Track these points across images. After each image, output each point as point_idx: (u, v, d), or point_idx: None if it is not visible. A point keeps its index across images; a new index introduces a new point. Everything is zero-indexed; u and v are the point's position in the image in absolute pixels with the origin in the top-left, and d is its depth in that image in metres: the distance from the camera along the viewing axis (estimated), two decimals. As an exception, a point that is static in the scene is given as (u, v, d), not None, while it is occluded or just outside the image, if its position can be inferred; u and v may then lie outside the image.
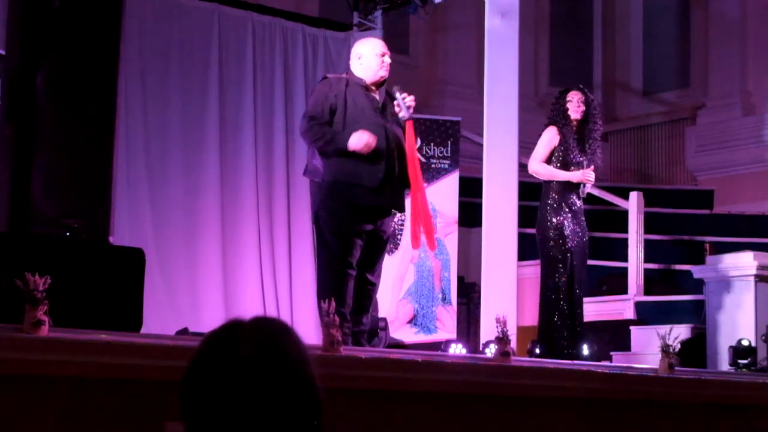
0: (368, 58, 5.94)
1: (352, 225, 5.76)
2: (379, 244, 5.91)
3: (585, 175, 6.81)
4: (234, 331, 1.74)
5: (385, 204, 5.86)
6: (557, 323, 6.84)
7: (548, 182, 6.88)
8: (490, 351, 6.42)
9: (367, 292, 5.90)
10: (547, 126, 7.03)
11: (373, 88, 5.94)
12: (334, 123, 5.80)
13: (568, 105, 6.91)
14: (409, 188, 6.00)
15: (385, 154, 5.81)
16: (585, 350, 6.70)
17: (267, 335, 1.74)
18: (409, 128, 5.97)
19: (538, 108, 12.32)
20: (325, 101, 5.81)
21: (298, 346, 1.76)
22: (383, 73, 5.93)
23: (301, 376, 1.72)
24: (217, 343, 1.74)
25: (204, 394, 1.70)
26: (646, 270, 9.69)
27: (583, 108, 6.90)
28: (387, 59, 5.95)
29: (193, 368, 1.73)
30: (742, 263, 8.05)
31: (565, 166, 6.84)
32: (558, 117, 6.94)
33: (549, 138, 6.93)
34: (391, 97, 5.98)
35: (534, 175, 7.05)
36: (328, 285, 5.79)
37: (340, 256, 5.75)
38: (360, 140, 5.69)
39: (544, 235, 6.85)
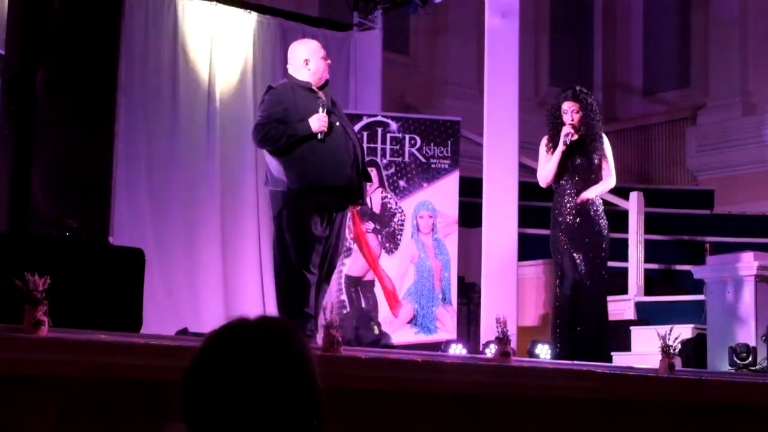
0: (315, 62, 6.04)
1: (315, 229, 5.81)
2: (338, 242, 6.01)
3: (565, 134, 6.77)
4: (238, 328, 1.75)
5: (350, 202, 5.98)
6: (556, 326, 6.86)
7: (557, 183, 6.87)
8: (490, 351, 6.42)
9: (321, 292, 5.93)
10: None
11: (317, 89, 6.03)
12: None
13: (564, 117, 6.88)
14: (370, 181, 6.19)
15: (343, 151, 5.92)
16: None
17: (271, 334, 1.74)
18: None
19: (538, 108, 12.31)
20: (273, 111, 5.87)
21: (301, 346, 1.76)
22: (327, 75, 6.10)
23: (302, 376, 1.72)
24: (220, 339, 1.74)
25: (205, 389, 1.70)
26: (646, 270, 9.68)
27: (580, 116, 6.85)
28: (329, 61, 6.14)
29: (195, 363, 1.73)
30: (742, 263, 8.05)
31: (563, 170, 6.83)
32: (553, 130, 6.92)
33: (544, 148, 6.93)
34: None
35: (546, 184, 6.94)
36: (290, 289, 5.82)
37: (301, 260, 5.77)
38: (318, 121, 5.81)
39: (551, 237, 6.88)
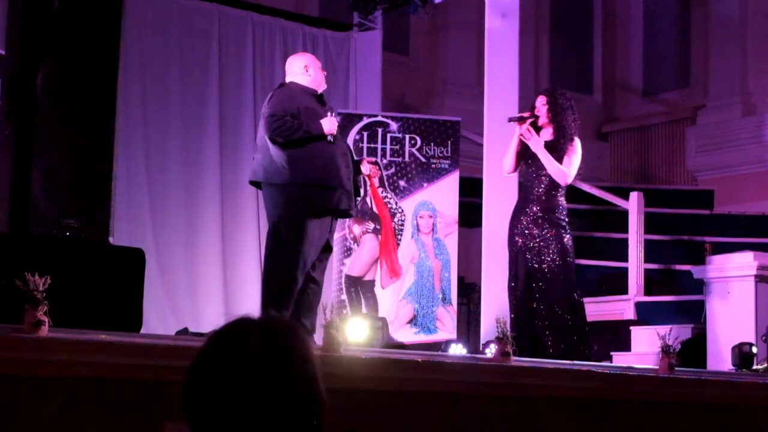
0: (315, 70, 6.16)
1: (314, 231, 5.83)
2: (328, 249, 6.05)
3: (523, 134, 6.77)
4: (242, 327, 1.76)
5: (346, 207, 6.01)
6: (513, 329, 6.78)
7: (522, 184, 6.87)
8: (490, 351, 6.41)
9: (313, 299, 5.93)
10: None
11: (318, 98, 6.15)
12: None
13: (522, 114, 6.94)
14: (359, 195, 6.33)
15: (345, 156, 6.03)
16: None
17: (274, 334, 1.75)
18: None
19: (538, 108, 12.30)
20: (287, 105, 5.92)
21: (304, 346, 1.77)
22: (325, 86, 6.21)
23: (304, 376, 1.73)
24: (224, 338, 1.75)
25: (207, 387, 1.71)
26: (646, 270, 9.68)
27: (546, 108, 6.82)
28: (324, 72, 6.26)
29: (198, 361, 1.74)
30: (742, 263, 8.05)
31: (529, 171, 6.81)
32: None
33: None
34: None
35: (506, 171, 6.95)
36: (276, 290, 5.79)
37: (295, 263, 5.77)
38: (329, 123, 5.91)
39: (509, 236, 6.83)
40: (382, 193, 8.71)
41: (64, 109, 5.40)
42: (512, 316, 6.67)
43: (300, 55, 6.39)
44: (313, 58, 6.28)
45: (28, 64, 5.37)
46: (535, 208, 6.71)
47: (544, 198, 6.71)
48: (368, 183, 7.14)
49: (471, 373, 5.26)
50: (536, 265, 6.65)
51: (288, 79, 6.17)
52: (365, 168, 6.34)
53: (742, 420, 6.10)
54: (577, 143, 6.82)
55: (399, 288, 8.67)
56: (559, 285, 6.64)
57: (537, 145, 6.71)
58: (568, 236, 6.72)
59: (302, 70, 6.12)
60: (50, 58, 5.39)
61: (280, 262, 5.83)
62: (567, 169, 6.76)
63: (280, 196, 5.87)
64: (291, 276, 5.77)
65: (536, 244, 6.67)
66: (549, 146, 6.77)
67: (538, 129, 6.84)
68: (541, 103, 6.85)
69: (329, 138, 5.89)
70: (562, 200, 6.77)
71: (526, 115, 6.86)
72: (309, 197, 5.83)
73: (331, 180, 5.89)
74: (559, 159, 6.73)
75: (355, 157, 6.45)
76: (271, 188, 5.93)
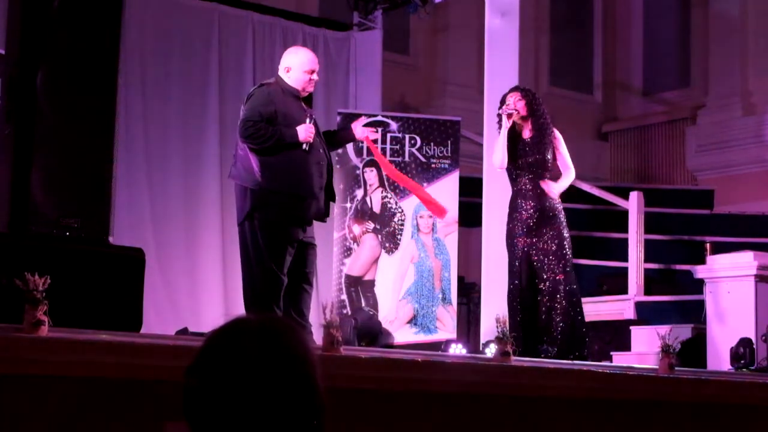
0: (296, 72, 5.99)
1: (287, 233, 5.79)
2: (310, 250, 5.96)
3: (505, 110, 6.76)
4: (241, 327, 1.76)
5: (317, 214, 5.96)
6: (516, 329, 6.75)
7: (514, 183, 6.86)
8: (490, 351, 6.41)
9: (304, 298, 5.90)
10: None
11: (302, 100, 6.05)
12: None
13: (504, 107, 6.88)
14: (334, 200, 6.22)
15: (319, 165, 5.93)
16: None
17: (273, 334, 1.75)
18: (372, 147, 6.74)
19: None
20: (263, 109, 5.83)
21: (303, 346, 1.77)
22: (310, 89, 6.07)
23: (303, 376, 1.73)
24: (223, 338, 1.75)
25: (207, 387, 1.71)
26: (646, 270, 9.68)
27: (523, 103, 6.81)
28: (315, 77, 6.05)
29: (198, 361, 1.74)
30: (742, 263, 8.04)
31: (519, 170, 6.81)
32: (500, 123, 6.90)
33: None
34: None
35: (500, 166, 6.91)
36: (264, 293, 5.76)
37: (276, 263, 5.74)
38: (305, 131, 5.81)
39: (507, 237, 6.83)
40: (381, 193, 8.71)
41: (64, 109, 5.39)
42: (518, 318, 6.66)
43: (289, 53, 6.15)
44: (304, 61, 6.02)
45: (28, 64, 5.37)
46: (530, 205, 6.73)
47: (538, 194, 6.73)
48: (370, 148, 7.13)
49: (471, 373, 5.27)
50: (539, 264, 6.67)
51: (278, 72, 6.08)
52: (358, 133, 6.31)
53: (742, 420, 6.10)
54: (558, 134, 6.89)
55: (399, 288, 8.67)
56: (563, 282, 6.66)
57: (550, 187, 6.76)
58: (566, 231, 6.76)
59: (283, 68, 6.01)
60: (50, 58, 5.39)
61: (258, 264, 5.79)
62: (571, 170, 6.89)
63: (250, 199, 5.82)
64: (273, 276, 5.75)
65: (537, 242, 6.68)
66: (532, 143, 6.77)
67: (516, 125, 6.84)
68: (515, 99, 6.83)
69: (304, 146, 5.81)
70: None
71: (510, 110, 6.84)
72: (278, 204, 5.78)
73: (302, 189, 5.83)
74: (550, 154, 6.77)
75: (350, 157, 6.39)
76: (241, 189, 5.90)
